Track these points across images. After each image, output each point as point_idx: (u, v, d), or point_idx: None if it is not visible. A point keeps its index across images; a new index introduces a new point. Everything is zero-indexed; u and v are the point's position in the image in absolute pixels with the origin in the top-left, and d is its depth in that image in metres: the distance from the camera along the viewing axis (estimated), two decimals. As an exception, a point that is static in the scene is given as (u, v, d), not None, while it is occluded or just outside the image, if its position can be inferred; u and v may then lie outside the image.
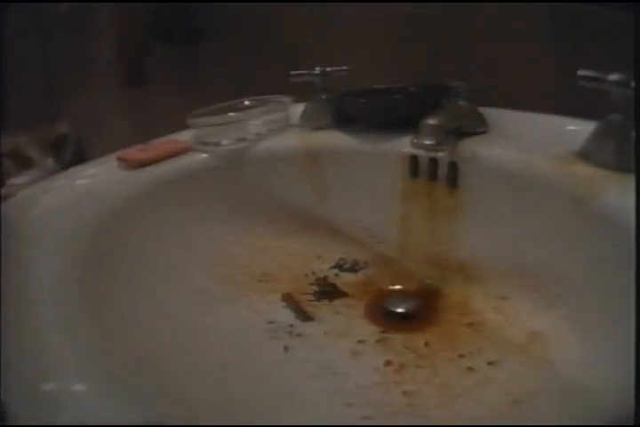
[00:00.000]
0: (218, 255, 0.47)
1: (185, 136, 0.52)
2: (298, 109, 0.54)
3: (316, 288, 0.46)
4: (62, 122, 0.89)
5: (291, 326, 0.41)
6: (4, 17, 0.87)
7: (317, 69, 0.49)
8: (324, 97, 0.50)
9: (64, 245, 0.37)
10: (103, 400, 0.24)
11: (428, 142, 0.40)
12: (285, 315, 0.43)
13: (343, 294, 0.45)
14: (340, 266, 0.48)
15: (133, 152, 0.49)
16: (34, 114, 0.82)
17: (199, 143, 0.50)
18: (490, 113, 0.47)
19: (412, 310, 0.42)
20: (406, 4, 0.57)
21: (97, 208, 0.42)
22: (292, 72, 0.49)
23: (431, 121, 0.40)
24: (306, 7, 0.62)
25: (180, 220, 0.46)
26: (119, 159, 0.48)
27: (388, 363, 0.37)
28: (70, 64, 0.84)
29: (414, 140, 0.41)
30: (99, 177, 0.47)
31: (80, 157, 0.85)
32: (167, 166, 0.47)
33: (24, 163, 0.82)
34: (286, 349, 0.39)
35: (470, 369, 0.35)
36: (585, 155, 0.38)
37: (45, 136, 0.86)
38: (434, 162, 0.43)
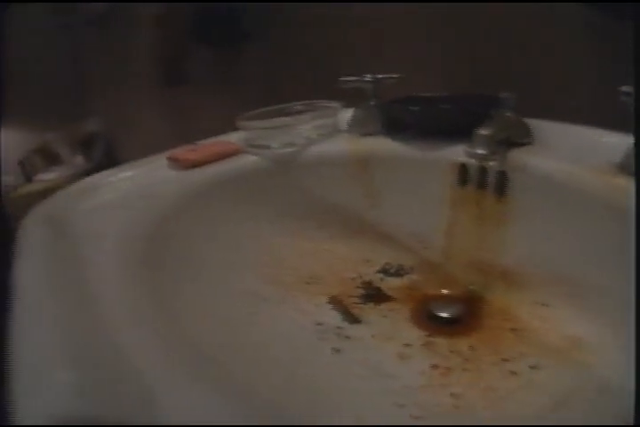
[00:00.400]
0: (266, 256, 0.52)
1: (233, 138, 0.57)
2: (344, 115, 0.58)
3: (362, 291, 0.50)
4: (92, 120, 0.94)
5: (338, 327, 0.46)
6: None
7: (368, 76, 0.53)
8: (372, 103, 0.55)
9: (122, 245, 0.41)
10: (197, 398, 0.26)
11: (481, 152, 0.45)
12: (333, 317, 0.47)
13: (389, 298, 0.50)
14: (385, 270, 0.53)
15: (184, 152, 0.53)
16: (65, 111, 0.86)
17: (249, 146, 0.55)
18: (532, 124, 0.51)
19: (457, 315, 0.47)
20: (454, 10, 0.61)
21: (151, 208, 0.47)
22: (343, 78, 0.54)
23: (484, 131, 0.45)
24: (348, 10, 0.66)
25: (230, 221, 0.51)
26: (170, 159, 0.52)
27: (434, 366, 0.41)
28: (104, 63, 0.88)
29: (467, 150, 0.46)
30: (149, 176, 0.52)
31: (110, 156, 0.90)
32: (219, 168, 0.52)
33: (52, 159, 0.87)
34: (335, 350, 0.43)
35: (513, 373, 0.40)
36: (625, 167, 0.42)
37: (75, 134, 0.91)
38: (483, 171, 0.47)
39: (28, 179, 0.86)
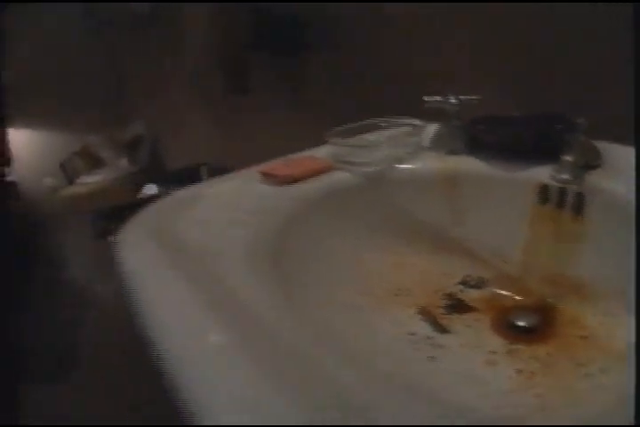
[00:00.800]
0: (356, 270, 0.59)
1: (321, 153, 0.64)
2: (427, 132, 0.65)
3: (445, 302, 0.58)
4: (138, 123, 0.96)
5: (429, 337, 0.54)
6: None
7: (453, 98, 0.61)
8: (455, 123, 0.62)
9: (247, 262, 0.47)
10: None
11: (566, 177, 0.53)
12: (422, 327, 0.55)
13: (471, 309, 0.58)
14: (465, 282, 0.61)
15: (278, 167, 0.59)
16: (109, 115, 0.88)
17: (339, 162, 0.62)
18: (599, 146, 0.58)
19: (533, 324, 0.55)
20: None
21: (262, 225, 0.53)
22: (426, 98, 0.62)
23: (569, 158, 0.53)
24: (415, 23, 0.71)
25: (324, 236, 0.58)
26: (264, 174, 0.57)
27: (519, 371, 0.49)
28: (151, 66, 0.89)
29: (553, 174, 0.54)
30: (246, 191, 0.59)
31: (155, 159, 0.92)
32: (315, 184, 0.60)
33: (95, 162, 0.88)
34: (431, 359, 0.51)
35: (588, 375, 0.47)
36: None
37: (119, 137, 0.93)
38: (563, 191, 0.55)
39: (70, 181, 0.88)
